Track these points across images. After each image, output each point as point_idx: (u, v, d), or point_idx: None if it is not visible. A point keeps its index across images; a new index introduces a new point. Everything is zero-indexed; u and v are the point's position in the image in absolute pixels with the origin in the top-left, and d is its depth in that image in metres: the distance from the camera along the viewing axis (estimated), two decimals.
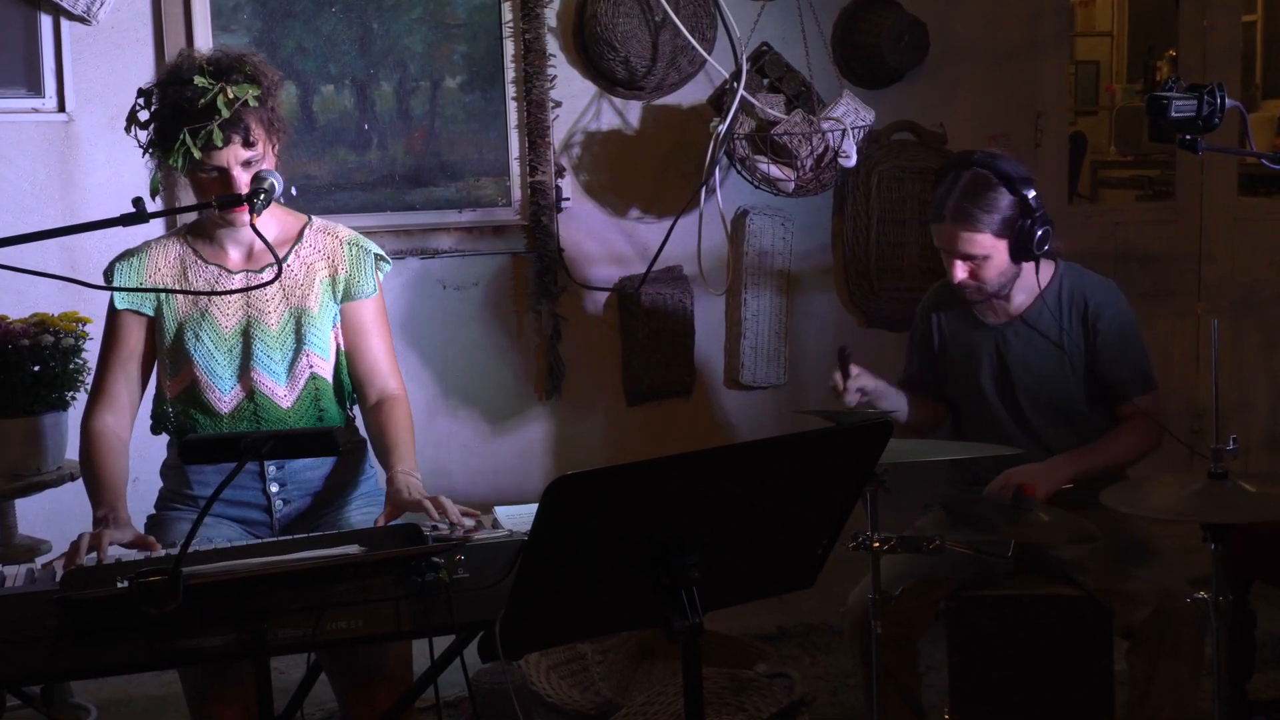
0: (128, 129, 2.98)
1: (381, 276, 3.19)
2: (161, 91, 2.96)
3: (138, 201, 2.58)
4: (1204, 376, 5.34)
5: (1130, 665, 3.33)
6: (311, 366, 3.09)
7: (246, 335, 3.05)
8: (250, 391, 3.06)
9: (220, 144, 2.88)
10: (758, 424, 4.96)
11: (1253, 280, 5.37)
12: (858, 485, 2.33)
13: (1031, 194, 3.40)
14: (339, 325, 3.14)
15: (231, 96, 2.89)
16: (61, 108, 4.26)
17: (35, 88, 4.24)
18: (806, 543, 2.36)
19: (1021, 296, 3.56)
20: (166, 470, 3.19)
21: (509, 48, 4.62)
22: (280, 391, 3.07)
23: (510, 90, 4.63)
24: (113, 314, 3.12)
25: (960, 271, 3.47)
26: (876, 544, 3.10)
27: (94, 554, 2.64)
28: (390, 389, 3.16)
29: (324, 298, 3.10)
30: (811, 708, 3.93)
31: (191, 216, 3.15)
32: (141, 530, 3.07)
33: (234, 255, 3.09)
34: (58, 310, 3.91)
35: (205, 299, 3.04)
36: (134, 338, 3.09)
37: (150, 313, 3.08)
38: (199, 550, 2.58)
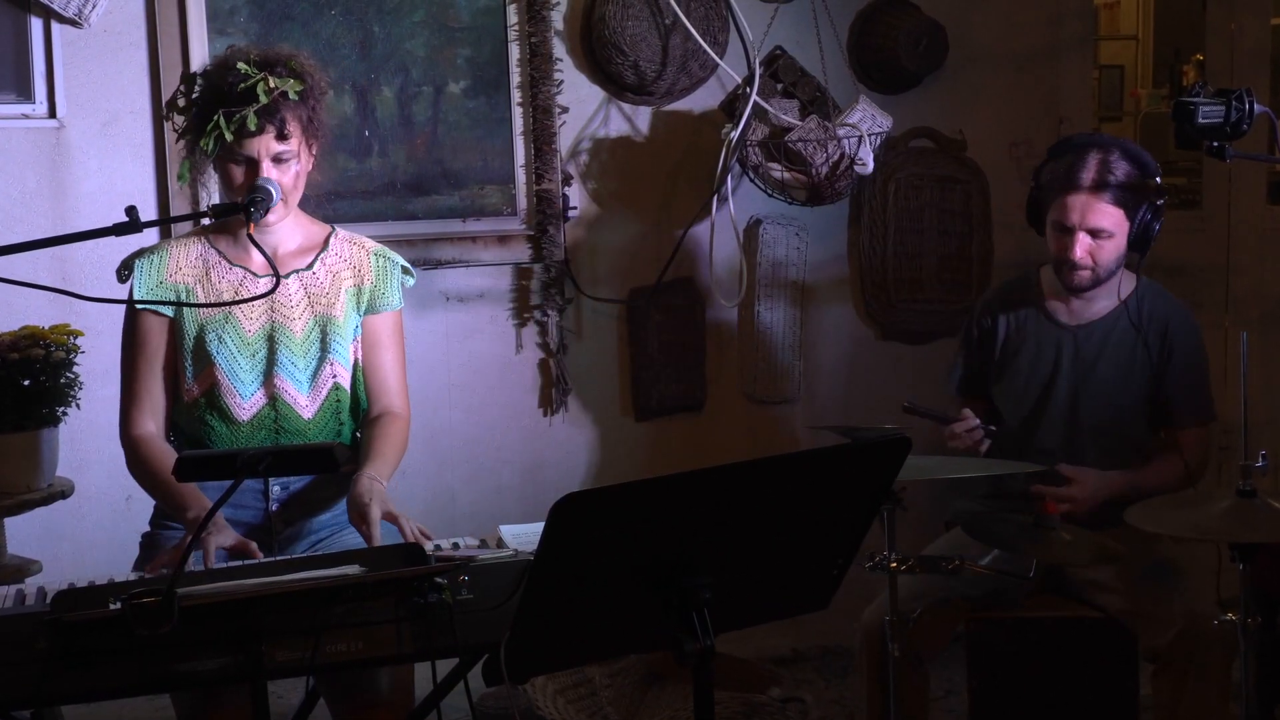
0: (166, 115, 3.06)
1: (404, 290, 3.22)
2: (205, 77, 3.02)
3: (131, 210, 2.55)
4: (1232, 390, 5.27)
5: (1156, 689, 3.35)
6: (335, 376, 3.10)
7: (271, 340, 3.05)
8: (273, 398, 3.05)
9: (254, 129, 2.90)
10: (772, 440, 4.91)
11: None
12: (874, 503, 2.33)
13: (1159, 182, 3.41)
14: (359, 338, 3.15)
15: (272, 85, 2.94)
16: (52, 113, 4.21)
17: (25, 93, 4.18)
18: (822, 563, 2.35)
19: (1102, 302, 3.57)
20: None
21: (514, 51, 4.56)
22: (303, 401, 3.07)
23: (515, 95, 4.57)
24: (132, 315, 3.10)
25: (1080, 248, 3.44)
26: (894, 564, 3.06)
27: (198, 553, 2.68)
28: (394, 407, 3.17)
29: (349, 308, 3.12)
30: None
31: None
32: (137, 547, 3.04)
33: (259, 258, 3.07)
34: (48, 322, 3.86)
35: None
36: (157, 338, 3.07)
37: (169, 313, 3.06)
38: (194, 571, 2.54)
